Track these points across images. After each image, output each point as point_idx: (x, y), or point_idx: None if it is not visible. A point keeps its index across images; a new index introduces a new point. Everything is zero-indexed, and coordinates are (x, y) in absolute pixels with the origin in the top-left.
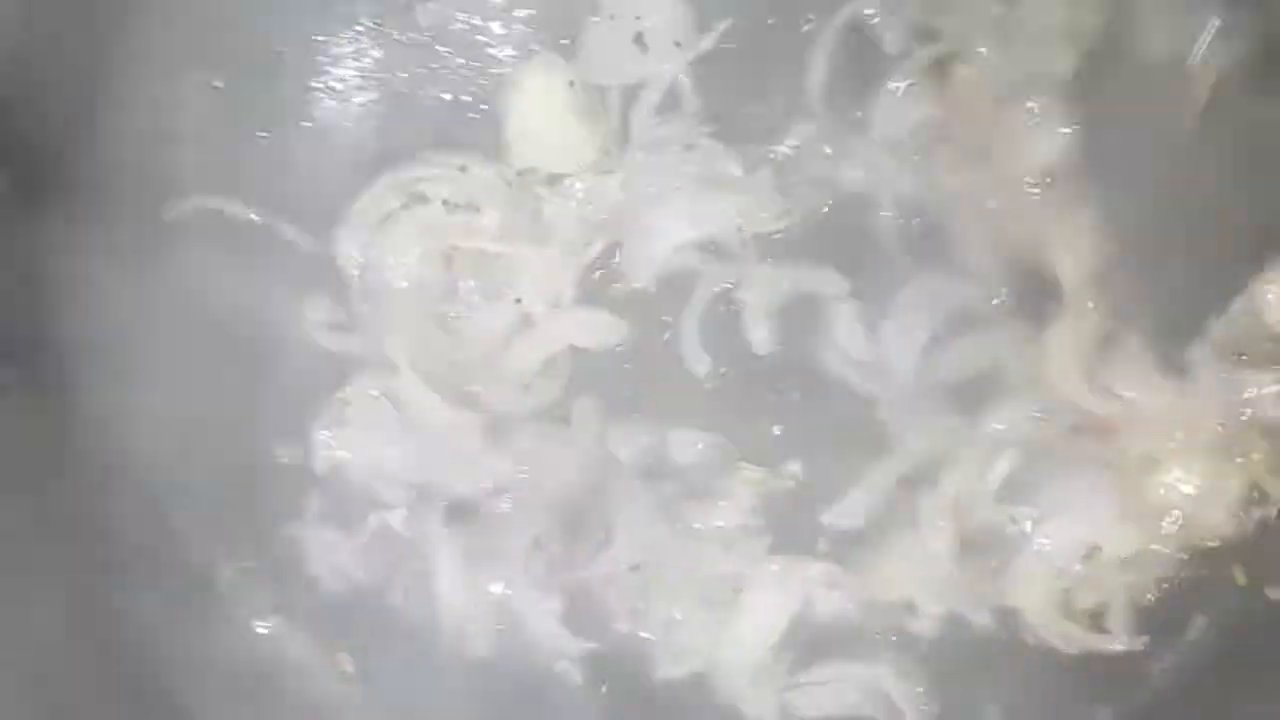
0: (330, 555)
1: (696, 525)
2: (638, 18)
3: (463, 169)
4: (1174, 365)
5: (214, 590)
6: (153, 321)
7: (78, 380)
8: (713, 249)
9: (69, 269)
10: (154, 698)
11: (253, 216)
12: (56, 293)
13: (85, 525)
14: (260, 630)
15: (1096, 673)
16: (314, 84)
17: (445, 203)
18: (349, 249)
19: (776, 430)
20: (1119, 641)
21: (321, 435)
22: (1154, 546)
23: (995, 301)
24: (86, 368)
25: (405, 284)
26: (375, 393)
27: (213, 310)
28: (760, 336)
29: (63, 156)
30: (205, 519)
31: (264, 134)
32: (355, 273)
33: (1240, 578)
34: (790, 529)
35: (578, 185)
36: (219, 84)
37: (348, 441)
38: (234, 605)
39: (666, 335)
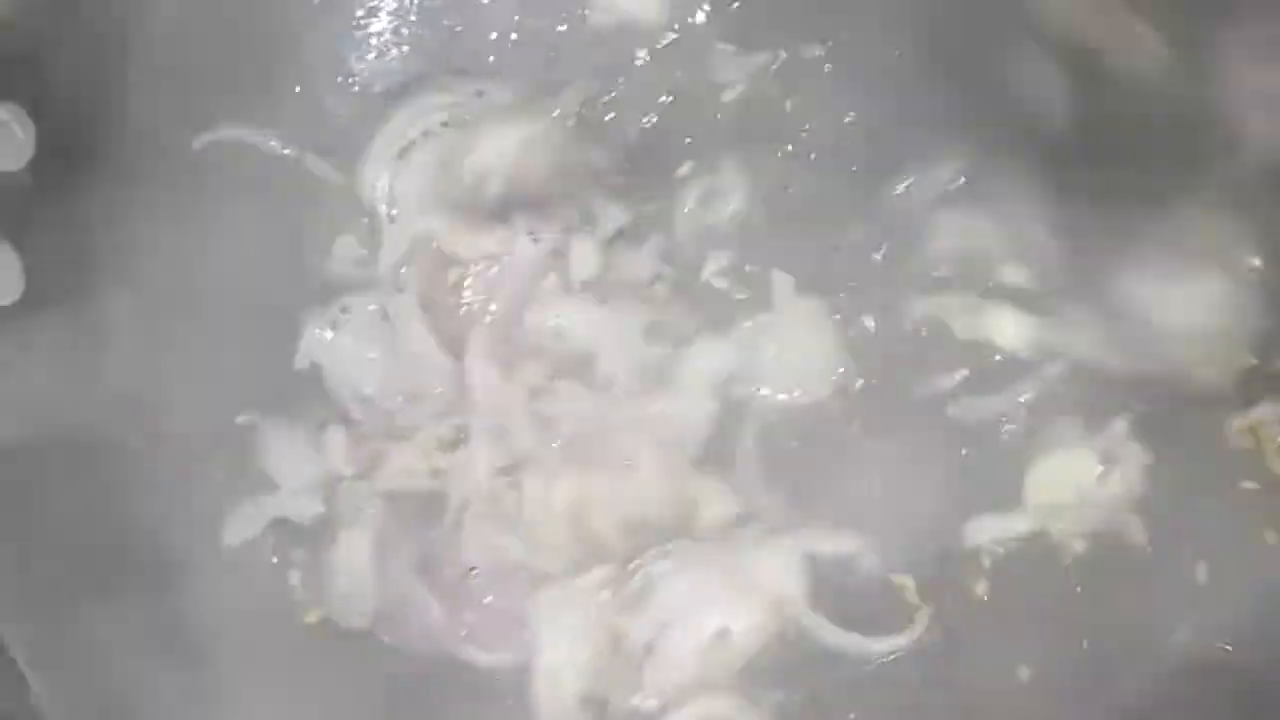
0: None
1: None
2: None
3: (479, 94)
4: None
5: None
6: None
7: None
8: None
9: (107, 218)
10: None
11: (284, 149)
12: (94, 242)
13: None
14: None
15: None
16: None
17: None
18: (373, 181)
19: None
20: None
21: (313, 333)
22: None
23: None
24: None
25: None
26: (373, 307)
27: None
28: None
29: (93, 106)
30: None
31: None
32: (379, 203)
33: None
34: None
35: None
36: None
37: (335, 348)
38: None
39: None
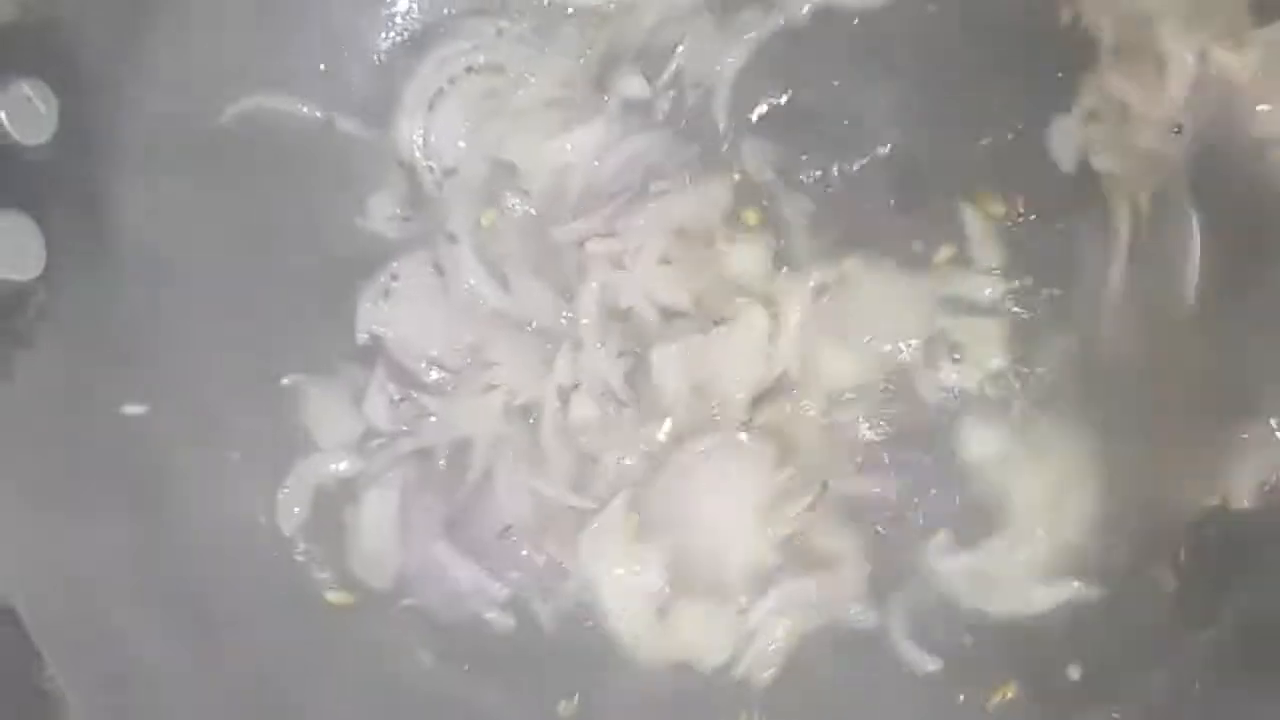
0: None
1: None
2: None
3: (499, 32)
4: None
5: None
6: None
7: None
8: None
9: (127, 188)
10: None
11: (315, 113)
12: (117, 217)
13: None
14: None
15: None
16: None
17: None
18: (409, 135)
19: None
20: None
21: (366, 307)
22: None
23: None
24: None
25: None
26: (429, 267)
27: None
28: None
29: (111, 75)
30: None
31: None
32: (417, 156)
33: None
34: None
35: None
36: None
37: (392, 316)
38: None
39: None
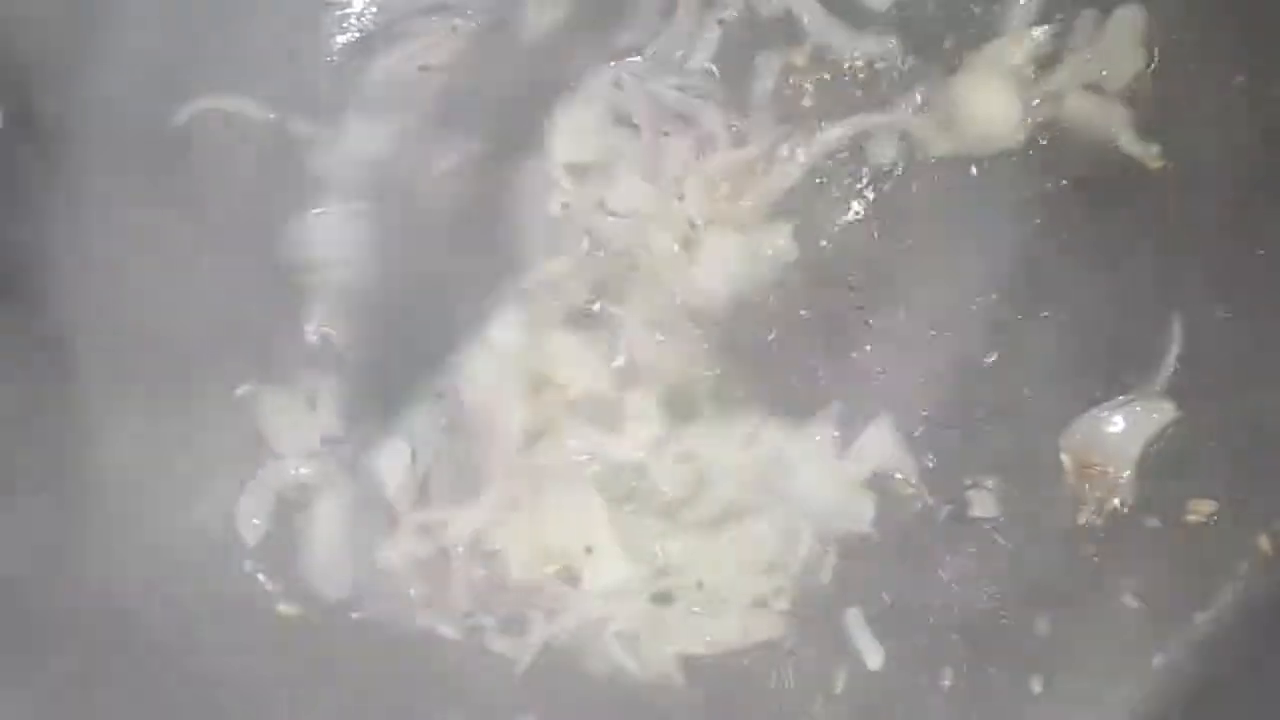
0: None
1: None
2: None
3: (454, 29)
4: None
5: None
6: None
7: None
8: None
9: (73, 194)
10: None
11: (267, 114)
12: (60, 219)
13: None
14: None
15: None
16: None
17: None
18: (359, 134)
19: None
20: None
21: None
22: None
23: None
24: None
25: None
26: None
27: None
28: None
29: (59, 76)
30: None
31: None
32: (368, 157)
33: None
34: None
35: None
36: None
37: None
38: None
39: None
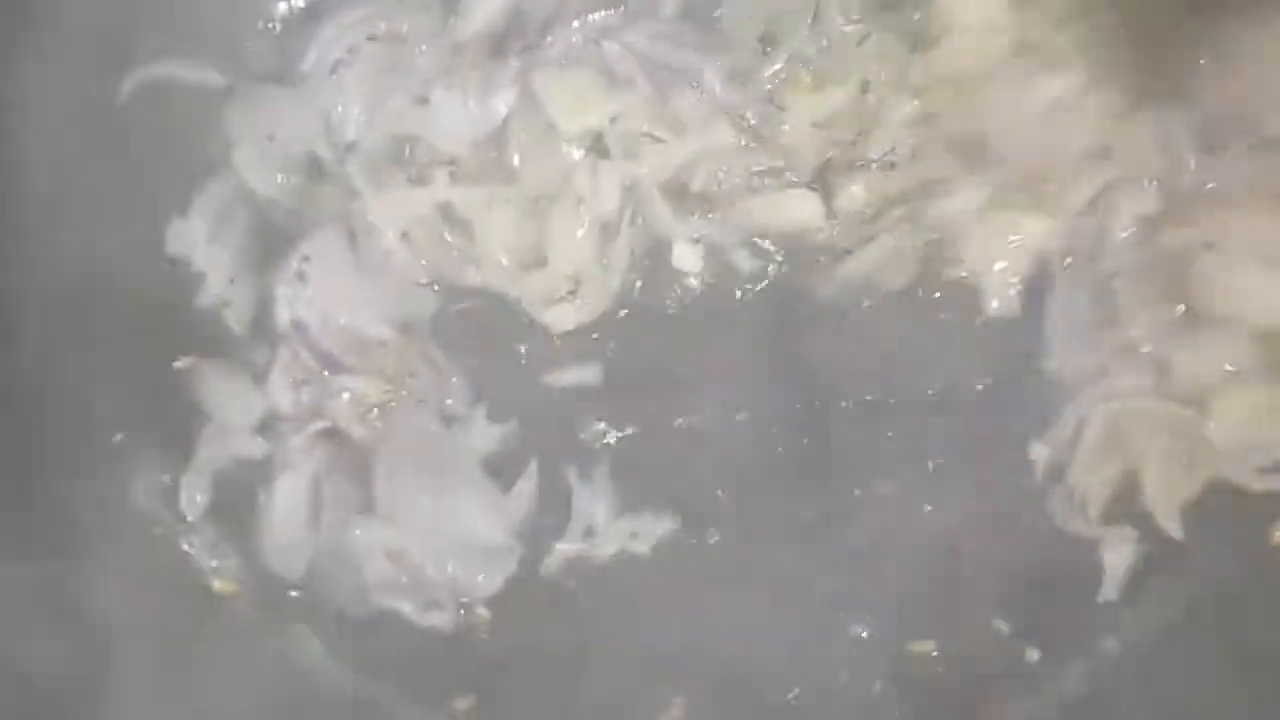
0: None
1: None
2: None
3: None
4: None
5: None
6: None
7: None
8: None
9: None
10: None
11: (219, 80)
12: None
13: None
14: None
15: None
16: None
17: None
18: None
19: None
20: None
21: (282, 291)
22: None
23: None
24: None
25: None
26: (342, 242)
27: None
28: None
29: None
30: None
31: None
32: (320, 127)
33: None
34: None
35: None
36: None
37: (311, 297)
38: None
39: None
